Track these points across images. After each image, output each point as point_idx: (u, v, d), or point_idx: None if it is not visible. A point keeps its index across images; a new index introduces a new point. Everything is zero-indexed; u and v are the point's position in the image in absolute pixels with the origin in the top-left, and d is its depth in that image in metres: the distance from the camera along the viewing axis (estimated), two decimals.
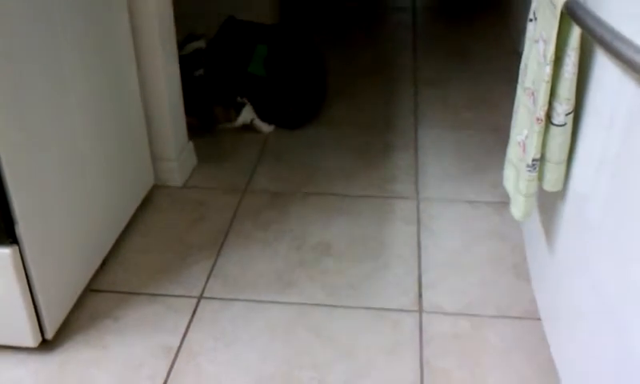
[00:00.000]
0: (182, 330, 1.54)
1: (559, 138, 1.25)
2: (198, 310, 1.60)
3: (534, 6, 1.44)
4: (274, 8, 3.04)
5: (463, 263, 1.74)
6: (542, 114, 1.23)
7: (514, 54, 3.03)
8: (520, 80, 1.44)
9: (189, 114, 2.17)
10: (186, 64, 2.26)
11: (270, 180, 2.12)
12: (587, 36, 1.12)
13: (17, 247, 1.37)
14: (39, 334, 1.47)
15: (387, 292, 1.65)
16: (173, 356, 1.47)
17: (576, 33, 1.16)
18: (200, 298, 1.64)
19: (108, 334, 1.54)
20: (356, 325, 1.55)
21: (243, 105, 2.36)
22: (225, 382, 1.41)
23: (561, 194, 1.31)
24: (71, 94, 1.52)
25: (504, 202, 1.98)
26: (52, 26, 1.43)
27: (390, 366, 1.44)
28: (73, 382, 1.41)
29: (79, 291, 1.61)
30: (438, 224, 1.90)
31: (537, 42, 1.33)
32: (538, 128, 1.24)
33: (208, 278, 1.70)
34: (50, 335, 1.49)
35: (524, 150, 1.34)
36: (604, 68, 1.13)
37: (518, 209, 1.35)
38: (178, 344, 1.51)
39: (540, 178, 1.30)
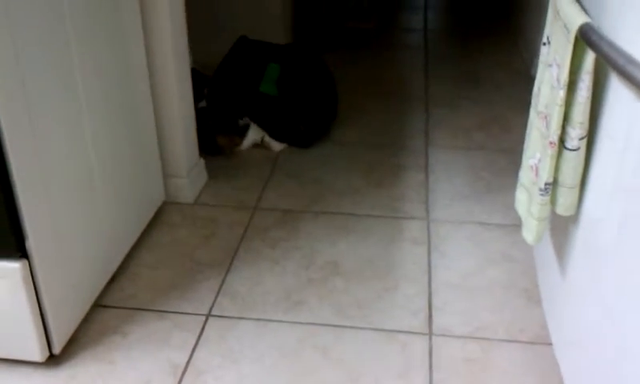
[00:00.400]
0: (190, 348, 1.53)
1: (572, 162, 1.24)
2: (206, 327, 1.59)
3: (547, 30, 1.44)
4: (286, 28, 3.06)
5: (474, 286, 1.73)
6: (555, 138, 1.22)
7: (526, 78, 3.03)
8: (533, 103, 1.43)
9: None
10: None
11: (280, 198, 2.12)
12: (601, 60, 1.11)
13: (27, 261, 1.37)
14: (47, 349, 1.47)
15: (396, 313, 1.64)
16: (180, 373, 1.47)
17: (590, 57, 1.16)
18: (208, 315, 1.63)
19: (115, 349, 1.53)
20: (365, 346, 1.54)
21: (247, 126, 2.37)
22: None
23: (574, 219, 1.30)
24: (83, 108, 1.53)
25: (515, 225, 1.97)
26: (64, 43, 1.45)
27: None
28: None
29: (88, 306, 1.61)
30: (448, 245, 1.89)
31: (550, 65, 1.33)
32: (551, 152, 1.23)
33: (216, 296, 1.70)
34: (57, 350, 1.48)
35: (536, 174, 1.33)
36: (618, 92, 1.12)
37: (530, 232, 1.34)
38: (186, 361, 1.50)
39: (553, 202, 1.29)
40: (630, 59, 0.99)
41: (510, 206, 2.05)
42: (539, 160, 1.32)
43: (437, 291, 1.71)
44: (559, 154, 1.25)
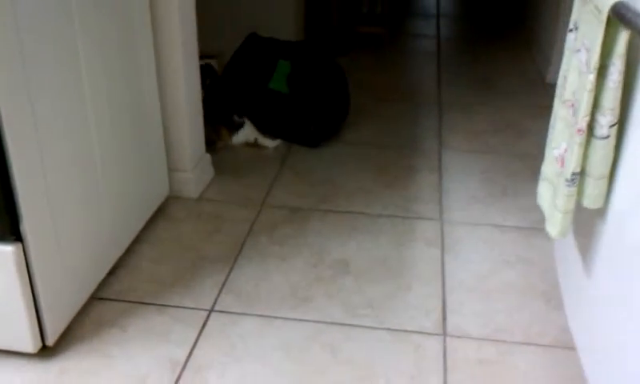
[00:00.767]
0: (191, 343, 1.46)
1: (601, 152, 1.16)
2: (208, 323, 1.52)
3: (574, 16, 1.37)
4: (298, 28, 3.00)
5: (489, 288, 1.65)
6: (583, 124, 1.15)
7: (540, 85, 2.97)
8: (558, 93, 1.36)
9: None
10: None
11: (288, 195, 2.04)
12: (633, 43, 1.05)
13: (20, 245, 1.30)
14: (39, 340, 1.39)
15: (409, 314, 1.56)
16: (179, 369, 1.39)
17: (623, 39, 1.09)
18: (211, 311, 1.56)
19: (112, 343, 1.45)
20: (375, 346, 1.46)
21: (242, 124, 2.31)
22: None
23: (601, 213, 1.22)
24: (87, 93, 1.46)
25: (533, 228, 1.89)
26: (69, 28, 1.39)
27: None
28: None
29: (85, 298, 1.54)
30: (462, 247, 1.81)
31: (578, 51, 1.26)
32: (579, 139, 1.16)
33: (220, 292, 1.62)
34: (50, 341, 1.41)
35: (562, 164, 1.25)
36: None
37: (554, 226, 1.26)
38: (186, 357, 1.42)
39: (579, 194, 1.22)
40: None
41: (527, 209, 1.98)
42: (565, 150, 1.25)
43: (451, 292, 1.63)
44: (587, 143, 1.17)
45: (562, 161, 1.26)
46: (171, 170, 1.99)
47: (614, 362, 1.15)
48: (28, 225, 1.29)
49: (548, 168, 1.35)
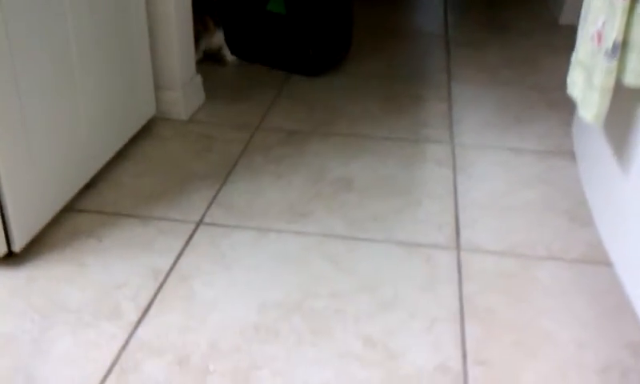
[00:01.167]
0: (175, 253, 1.30)
1: None
2: (196, 235, 1.36)
3: None
4: None
5: (506, 205, 1.50)
6: None
7: (554, 27, 2.80)
8: None
9: None
10: None
11: (286, 120, 1.89)
12: None
13: None
14: (4, 245, 1.24)
15: (419, 228, 1.40)
16: (162, 278, 1.23)
17: None
18: (199, 223, 1.40)
19: (88, 253, 1.30)
20: (382, 258, 1.31)
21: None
22: (222, 306, 1.17)
23: None
24: (65, 2, 1.31)
25: (552, 151, 1.73)
26: None
27: (423, 300, 1.19)
28: (39, 298, 1.17)
29: (59, 207, 1.38)
30: (476, 168, 1.65)
31: None
32: (622, 4, 1.00)
33: (209, 206, 1.46)
34: (17, 247, 1.26)
35: (599, 41, 1.10)
36: None
37: (590, 108, 1.11)
38: (169, 266, 1.27)
39: (620, 71, 1.06)
40: None
41: (544, 135, 1.82)
42: (603, 24, 1.09)
43: (464, 209, 1.48)
44: (631, 11, 1.02)
45: (598, 37, 1.10)
46: (159, 87, 1.84)
47: None
48: None
49: (582, 51, 1.19)
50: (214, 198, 1.49)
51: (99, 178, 1.55)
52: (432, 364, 1.05)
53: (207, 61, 2.22)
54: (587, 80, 1.13)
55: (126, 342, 1.08)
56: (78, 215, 1.42)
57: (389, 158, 1.69)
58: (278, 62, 2.21)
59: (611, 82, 1.05)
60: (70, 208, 1.43)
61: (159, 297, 1.18)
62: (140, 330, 1.11)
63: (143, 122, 1.76)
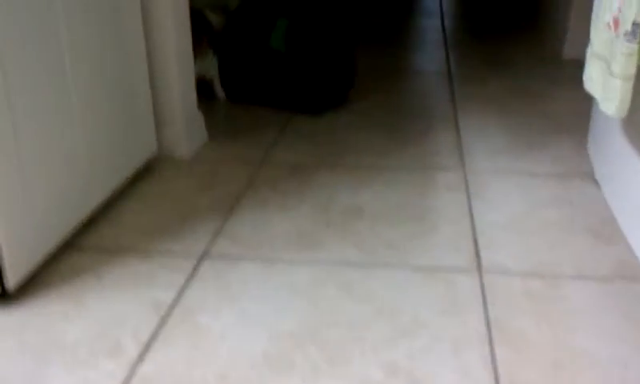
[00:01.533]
0: (179, 287, 1.22)
1: None
2: (200, 267, 1.29)
3: None
4: None
5: (526, 226, 1.42)
6: None
7: (558, 61, 2.78)
8: None
9: None
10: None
11: (292, 154, 1.83)
12: None
13: None
14: None
15: (436, 252, 1.33)
16: (164, 312, 1.15)
17: None
18: (203, 256, 1.33)
19: (86, 290, 1.22)
20: (399, 283, 1.23)
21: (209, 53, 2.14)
22: (230, 338, 1.08)
23: None
24: (63, 37, 1.28)
25: (570, 173, 1.67)
26: None
27: (446, 324, 1.10)
28: (33, 336, 1.09)
29: (55, 244, 1.31)
30: (490, 192, 1.59)
31: None
32: None
33: (214, 238, 1.39)
34: (11, 286, 1.18)
35: (616, 27, 1.05)
36: None
37: (612, 100, 1.05)
38: (173, 299, 1.19)
39: None
40: None
41: (559, 158, 1.76)
42: (619, 9, 1.04)
43: (482, 232, 1.40)
44: None
45: (615, 23, 1.05)
46: (160, 125, 1.79)
47: None
48: None
49: (597, 43, 1.14)
50: (219, 230, 1.42)
51: (98, 215, 1.48)
52: None
53: (199, 95, 2.17)
54: (605, 71, 1.07)
55: (127, 380, 0.99)
56: (76, 253, 1.34)
57: (399, 186, 1.63)
58: (280, 102, 2.17)
59: (633, 67, 1.00)
60: (68, 246, 1.36)
61: (162, 331, 1.10)
62: (142, 367, 1.02)
63: (144, 160, 1.70)
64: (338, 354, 1.04)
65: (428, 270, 1.26)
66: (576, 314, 1.13)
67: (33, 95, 1.21)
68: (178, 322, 1.12)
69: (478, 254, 1.32)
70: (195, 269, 1.28)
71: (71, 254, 1.34)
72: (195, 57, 2.07)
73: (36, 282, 1.24)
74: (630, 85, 1.03)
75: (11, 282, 1.18)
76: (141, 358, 1.04)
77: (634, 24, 0.97)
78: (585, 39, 1.30)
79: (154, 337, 1.09)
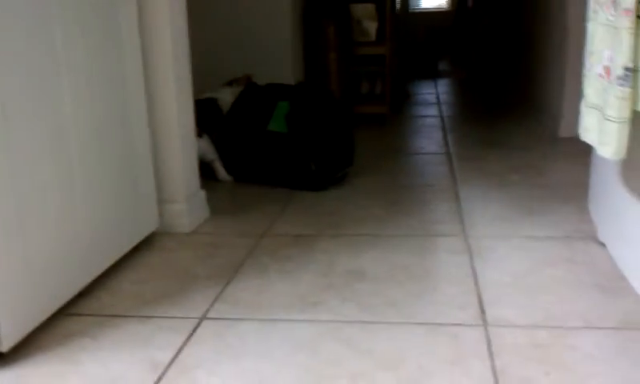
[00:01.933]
0: (176, 347, 1.19)
1: None
2: (199, 329, 1.26)
3: None
4: (296, 70, 2.94)
5: (531, 283, 1.40)
6: (630, 3, 0.98)
7: (553, 140, 2.83)
8: (591, 7, 1.20)
9: None
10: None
11: (292, 226, 1.83)
12: None
13: None
14: None
15: (440, 309, 1.30)
16: (161, 370, 1.12)
17: None
18: (202, 318, 1.30)
19: (82, 352, 1.19)
20: (403, 337, 1.20)
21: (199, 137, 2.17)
22: None
23: None
24: (68, 115, 1.34)
25: (571, 236, 1.66)
26: (51, 50, 1.28)
27: (452, 374, 1.07)
28: None
29: (52, 310, 1.30)
30: (493, 254, 1.57)
31: None
32: (628, 24, 0.99)
33: (213, 302, 1.37)
34: (5, 347, 1.16)
35: (608, 75, 1.07)
36: None
37: (609, 144, 1.06)
38: (170, 359, 1.15)
39: (635, 100, 1.03)
40: None
41: (559, 223, 1.76)
42: (610, 57, 1.07)
43: (486, 290, 1.38)
44: (638, 33, 1.00)
45: (607, 71, 1.08)
46: (162, 201, 1.80)
47: None
48: None
49: (590, 94, 1.17)
50: (219, 295, 1.40)
51: (97, 284, 1.47)
52: None
53: (202, 175, 2.20)
54: (601, 117, 1.09)
55: None
56: (73, 319, 1.32)
57: (400, 251, 1.61)
58: (281, 180, 2.20)
59: (626, 111, 1.01)
60: (65, 312, 1.34)
61: None
62: None
63: (145, 233, 1.70)
64: None
65: (431, 325, 1.24)
66: (587, 361, 1.09)
67: (36, 167, 1.23)
68: (175, 378, 1.09)
69: (482, 310, 1.29)
70: (194, 330, 1.25)
71: (68, 320, 1.32)
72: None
73: (31, 344, 1.21)
74: (625, 128, 1.05)
75: (5, 343, 1.16)
76: None
77: (626, 69, 1.00)
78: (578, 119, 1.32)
79: None
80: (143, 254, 1.65)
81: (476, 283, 1.41)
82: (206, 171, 2.20)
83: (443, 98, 4.21)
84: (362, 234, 1.74)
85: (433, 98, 4.19)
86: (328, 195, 2.11)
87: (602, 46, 1.10)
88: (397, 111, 3.68)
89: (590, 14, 1.20)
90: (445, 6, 8.72)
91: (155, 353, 1.17)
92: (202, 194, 1.93)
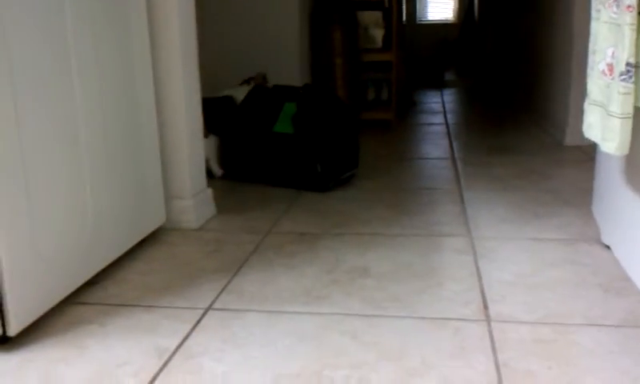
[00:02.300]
0: (182, 335, 1.21)
1: None
2: (205, 318, 1.27)
3: None
4: (304, 74, 2.96)
5: (534, 283, 1.41)
6: (633, 1, 1.00)
7: (558, 146, 2.84)
8: (594, 7, 1.22)
9: None
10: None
11: (298, 224, 1.85)
12: None
13: None
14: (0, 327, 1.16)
15: (443, 305, 1.31)
16: (167, 356, 1.13)
17: None
18: (208, 309, 1.32)
19: (89, 337, 1.21)
20: (406, 330, 1.21)
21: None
22: (233, 379, 1.06)
23: None
24: (77, 94, 1.35)
25: (575, 239, 1.67)
26: (62, 43, 1.31)
27: (454, 367, 1.08)
28: (32, 379, 1.07)
29: (60, 298, 1.31)
30: (497, 254, 1.58)
31: None
32: (630, 20, 1.00)
33: (219, 294, 1.39)
34: (13, 331, 1.17)
35: (611, 72, 1.09)
36: None
37: (612, 140, 1.07)
38: (176, 346, 1.17)
39: (637, 97, 1.04)
40: None
41: (564, 226, 1.77)
42: (613, 54, 1.09)
43: (490, 288, 1.39)
44: (639, 30, 1.02)
45: (610, 68, 1.10)
46: (169, 197, 1.82)
47: None
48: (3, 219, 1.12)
49: (594, 91, 1.18)
50: (225, 287, 1.42)
51: (104, 275, 1.48)
52: None
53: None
54: (604, 114, 1.10)
55: None
56: (80, 307, 1.34)
57: (404, 249, 1.63)
58: (286, 181, 2.21)
59: (629, 107, 1.03)
60: (72, 301, 1.36)
61: (164, 372, 1.08)
62: None
63: (152, 228, 1.72)
64: None
65: (435, 320, 1.25)
66: (588, 357, 1.10)
67: (45, 158, 1.25)
68: (181, 364, 1.10)
69: (486, 306, 1.30)
70: (200, 320, 1.27)
71: (75, 308, 1.33)
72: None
73: (38, 329, 1.23)
74: (629, 124, 1.06)
75: (13, 327, 1.17)
76: None
77: (628, 64, 1.01)
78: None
79: (155, 377, 1.06)
80: (150, 248, 1.66)
81: (480, 281, 1.42)
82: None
83: (449, 106, 4.23)
84: (367, 232, 1.76)
85: (439, 107, 4.21)
86: (333, 196, 2.13)
87: (606, 44, 1.12)
88: (403, 118, 3.71)
89: (593, 13, 1.22)
90: (451, 19, 8.76)
91: (161, 340, 1.18)
92: (209, 191, 1.95)
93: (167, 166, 1.82)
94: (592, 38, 1.23)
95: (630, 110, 1.03)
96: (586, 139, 1.29)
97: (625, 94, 1.02)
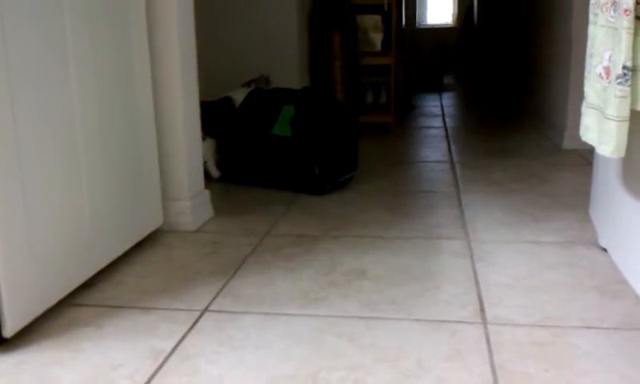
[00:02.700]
0: (178, 337, 1.20)
1: None
2: (201, 320, 1.27)
3: None
4: (303, 78, 2.97)
5: (531, 286, 1.41)
6: (630, 4, 1.00)
7: (557, 151, 2.84)
8: (592, 10, 1.22)
9: None
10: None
11: (295, 227, 1.84)
12: None
13: None
14: None
15: (440, 307, 1.31)
16: (162, 358, 1.13)
17: None
18: (204, 311, 1.31)
19: (85, 339, 1.20)
20: (402, 333, 1.20)
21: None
22: (228, 381, 1.05)
23: None
24: (75, 97, 1.35)
25: (573, 242, 1.67)
26: (61, 43, 1.31)
27: (451, 368, 1.07)
28: (29, 379, 1.06)
29: (56, 299, 1.31)
30: (495, 257, 1.58)
31: None
32: (627, 23, 1.00)
33: (216, 296, 1.38)
34: (8, 333, 1.17)
35: (608, 75, 1.09)
36: None
37: (608, 143, 1.07)
38: (171, 347, 1.16)
39: (633, 99, 1.04)
40: None
41: (563, 229, 1.77)
42: (610, 57, 1.09)
43: (487, 290, 1.39)
44: (636, 34, 1.02)
45: (607, 72, 1.10)
46: (167, 199, 1.82)
47: None
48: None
49: (591, 94, 1.18)
50: (221, 289, 1.41)
51: (100, 277, 1.48)
52: None
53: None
54: (601, 117, 1.10)
55: None
56: (76, 309, 1.34)
57: (402, 252, 1.63)
58: (284, 184, 2.21)
59: (625, 110, 1.03)
60: (68, 303, 1.35)
61: (159, 374, 1.07)
62: None
63: (149, 230, 1.72)
64: None
65: (431, 322, 1.24)
66: (584, 359, 1.10)
67: (42, 158, 1.25)
68: (177, 366, 1.10)
69: (482, 309, 1.30)
70: (196, 322, 1.26)
71: (71, 310, 1.33)
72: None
73: (34, 331, 1.23)
74: (625, 127, 1.06)
75: (9, 328, 1.17)
76: None
77: (624, 67, 1.01)
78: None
79: (150, 379, 1.06)
80: (147, 250, 1.66)
81: (477, 284, 1.42)
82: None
83: (448, 110, 4.23)
84: (365, 235, 1.76)
85: (437, 111, 4.22)
86: (331, 199, 2.13)
87: (603, 48, 1.12)
88: (401, 121, 3.71)
89: (591, 17, 1.22)
90: (451, 23, 8.78)
91: (157, 342, 1.18)
92: (207, 193, 1.95)
93: (165, 167, 1.82)
94: (589, 42, 1.23)
95: (626, 113, 1.03)
96: (585, 143, 1.30)
97: (621, 97, 1.02)
